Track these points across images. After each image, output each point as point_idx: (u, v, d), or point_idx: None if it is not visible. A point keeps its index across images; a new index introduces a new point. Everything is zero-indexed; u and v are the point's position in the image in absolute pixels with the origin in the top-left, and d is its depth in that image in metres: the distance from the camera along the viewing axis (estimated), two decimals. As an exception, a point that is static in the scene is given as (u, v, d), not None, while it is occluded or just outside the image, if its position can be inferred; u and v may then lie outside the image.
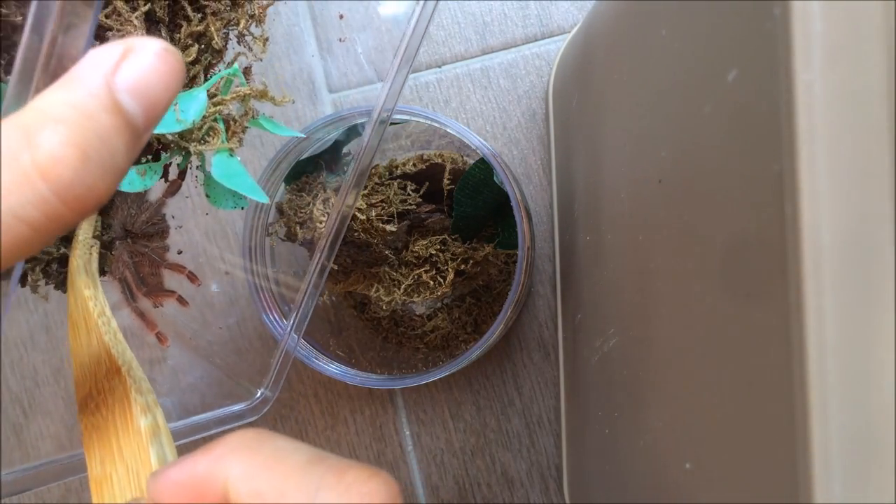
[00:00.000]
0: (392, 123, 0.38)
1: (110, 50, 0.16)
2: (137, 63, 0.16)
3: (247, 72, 0.31)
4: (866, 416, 0.14)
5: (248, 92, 0.29)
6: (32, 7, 0.17)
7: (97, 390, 0.23)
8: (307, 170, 0.37)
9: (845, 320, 0.14)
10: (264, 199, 0.30)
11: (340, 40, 0.41)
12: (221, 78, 0.29)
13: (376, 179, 0.38)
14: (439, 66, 0.43)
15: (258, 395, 0.33)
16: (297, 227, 0.36)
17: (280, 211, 0.37)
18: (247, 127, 0.30)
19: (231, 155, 0.29)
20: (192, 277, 0.37)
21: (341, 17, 0.42)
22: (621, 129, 0.28)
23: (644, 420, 0.25)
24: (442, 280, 0.38)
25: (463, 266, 0.38)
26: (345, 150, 0.39)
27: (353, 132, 0.38)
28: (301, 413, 0.44)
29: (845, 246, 0.14)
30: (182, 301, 0.37)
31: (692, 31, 0.20)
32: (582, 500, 0.37)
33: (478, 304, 0.41)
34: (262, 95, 0.30)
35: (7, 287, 0.19)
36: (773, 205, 0.15)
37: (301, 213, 0.36)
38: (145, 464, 0.20)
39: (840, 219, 0.14)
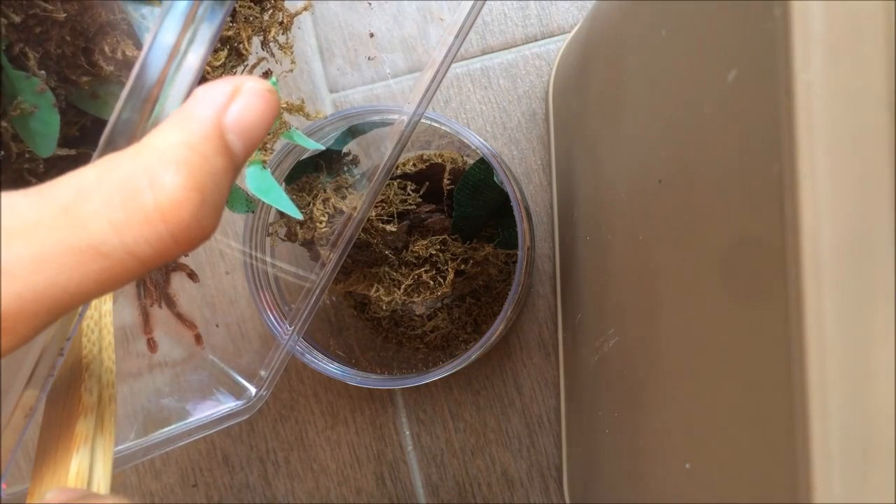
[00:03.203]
0: (390, 124, 0.38)
1: (221, 89, 0.17)
2: (245, 104, 0.17)
3: (266, 75, 0.31)
4: (866, 416, 0.14)
5: (284, 106, 0.29)
6: (158, 24, 0.17)
7: (61, 380, 0.22)
8: (307, 170, 0.37)
9: (845, 320, 0.14)
10: (298, 216, 0.30)
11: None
12: None
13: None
14: (439, 66, 0.43)
15: (254, 394, 0.33)
16: (298, 227, 0.36)
17: (280, 211, 0.37)
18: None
19: (263, 167, 0.29)
20: (192, 276, 0.37)
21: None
22: (621, 128, 0.28)
23: (644, 420, 0.25)
24: (442, 280, 0.38)
25: (463, 266, 0.38)
26: (345, 149, 0.39)
27: (353, 132, 0.38)
28: (301, 413, 0.44)
29: (845, 246, 0.14)
30: (197, 338, 0.37)
31: (692, 31, 0.20)
32: (582, 500, 0.37)
33: (478, 304, 0.41)
34: (298, 109, 0.30)
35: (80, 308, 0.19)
36: (773, 205, 0.15)
37: (301, 212, 0.36)
38: (63, 475, 0.20)
39: (840, 219, 0.14)
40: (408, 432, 0.43)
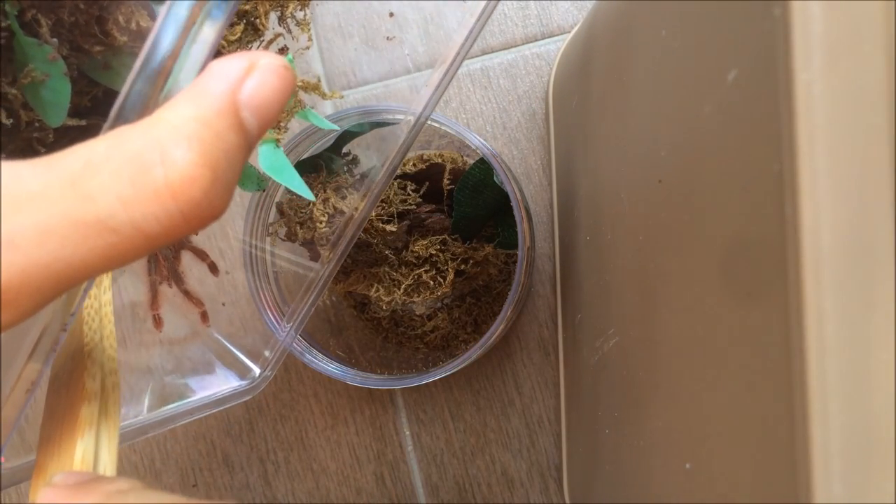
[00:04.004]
0: (391, 124, 0.38)
1: (236, 64, 0.16)
2: (260, 80, 0.16)
3: (282, 52, 0.31)
4: (866, 416, 0.14)
5: (300, 84, 0.29)
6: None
7: (63, 369, 0.22)
8: (307, 170, 0.37)
9: (845, 321, 0.14)
10: (311, 197, 0.30)
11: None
12: None
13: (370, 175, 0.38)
14: (439, 66, 0.43)
15: (257, 375, 0.33)
16: (298, 227, 0.36)
17: (280, 211, 0.37)
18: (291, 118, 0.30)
19: (277, 146, 0.29)
20: (212, 268, 0.37)
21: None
22: (621, 129, 0.28)
23: (644, 420, 0.25)
24: (442, 280, 0.38)
25: (463, 266, 0.38)
26: (345, 149, 0.39)
27: (353, 133, 0.38)
28: (301, 413, 0.44)
29: (845, 246, 0.14)
30: (203, 315, 0.37)
31: (692, 31, 0.20)
32: (582, 500, 0.37)
33: (478, 304, 0.41)
34: (314, 88, 0.29)
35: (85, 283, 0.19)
36: (773, 205, 0.15)
37: (301, 213, 0.36)
38: (68, 460, 0.19)
39: (840, 219, 0.14)
40: (408, 432, 0.43)
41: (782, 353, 0.15)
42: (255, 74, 0.16)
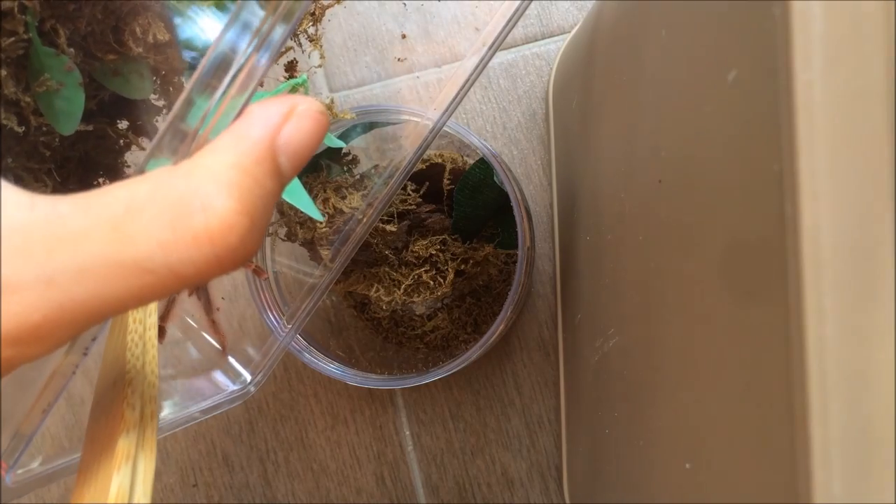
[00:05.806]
0: (391, 124, 0.38)
1: (276, 109, 0.17)
2: (298, 126, 0.17)
3: (291, 66, 0.31)
4: (866, 416, 0.14)
5: None
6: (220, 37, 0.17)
7: (105, 396, 0.22)
8: (308, 170, 0.37)
9: (845, 320, 0.14)
10: (320, 217, 0.30)
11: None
12: (289, 88, 0.29)
13: (376, 180, 0.38)
14: (439, 66, 0.43)
15: (248, 380, 0.33)
16: (298, 227, 0.36)
17: (280, 211, 0.37)
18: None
19: None
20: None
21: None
22: (621, 128, 0.28)
23: (644, 420, 0.25)
24: (442, 280, 0.38)
25: (463, 266, 0.38)
26: (344, 149, 0.39)
27: (352, 133, 0.38)
28: (301, 413, 0.44)
29: (845, 246, 0.14)
30: (223, 341, 0.37)
31: (692, 31, 0.20)
32: (582, 500, 0.37)
33: (478, 304, 0.41)
34: (327, 109, 0.30)
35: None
36: (773, 205, 0.15)
37: (301, 212, 0.36)
38: (103, 494, 0.19)
39: (840, 219, 0.14)
40: (408, 432, 0.43)
41: (782, 353, 0.15)
42: (293, 120, 0.17)
